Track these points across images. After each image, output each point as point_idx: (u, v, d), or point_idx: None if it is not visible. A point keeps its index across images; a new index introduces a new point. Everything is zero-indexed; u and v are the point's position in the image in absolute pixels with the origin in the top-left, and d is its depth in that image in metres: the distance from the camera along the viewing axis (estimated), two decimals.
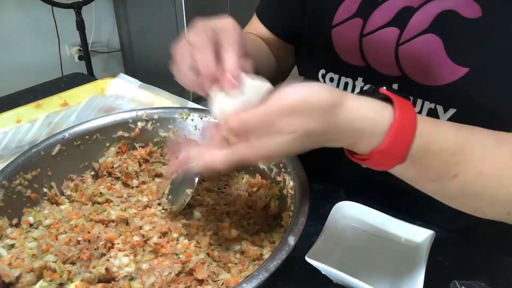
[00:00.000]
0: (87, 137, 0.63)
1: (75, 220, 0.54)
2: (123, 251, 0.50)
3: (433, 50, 0.54)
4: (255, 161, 0.40)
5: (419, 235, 0.53)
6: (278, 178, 0.59)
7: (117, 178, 0.64)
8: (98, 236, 0.51)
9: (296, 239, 0.44)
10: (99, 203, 0.59)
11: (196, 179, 0.58)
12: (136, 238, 0.52)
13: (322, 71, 0.67)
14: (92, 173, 0.65)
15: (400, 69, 0.58)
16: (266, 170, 0.61)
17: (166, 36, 2.42)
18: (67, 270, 0.47)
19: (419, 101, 0.57)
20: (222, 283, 0.47)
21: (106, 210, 0.56)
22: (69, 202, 0.61)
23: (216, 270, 0.48)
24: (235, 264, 0.50)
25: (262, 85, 0.40)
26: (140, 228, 0.53)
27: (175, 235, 0.53)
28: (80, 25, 2.18)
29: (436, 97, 0.56)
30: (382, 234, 0.55)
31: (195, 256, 0.49)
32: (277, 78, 0.82)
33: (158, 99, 0.90)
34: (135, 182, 0.64)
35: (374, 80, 0.61)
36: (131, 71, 2.70)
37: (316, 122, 0.37)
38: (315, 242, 0.50)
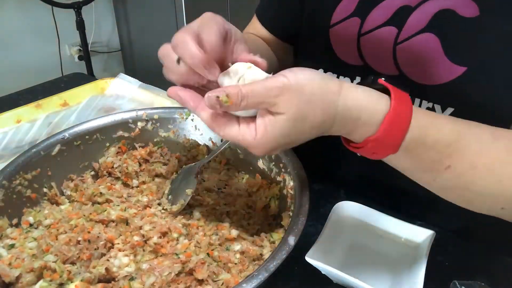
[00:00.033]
0: (87, 137, 0.63)
1: (75, 220, 0.54)
2: (123, 251, 0.50)
3: (431, 49, 0.54)
4: (257, 148, 0.40)
5: (419, 235, 0.53)
6: (278, 178, 0.59)
7: (117, 178, 0.64)
8: (98, 236, 0.51)
9: (296, 239, 0.44)
10: (99, 203, 0.59)
11: (196, 179, 0.58)
12: (136, 238, 0.52)
13: (320, 71, 0.67)
14: (92, 173, 0.65)
15: (398, 68, 0.58)
16: (266, 170, 0.61)
17: (166, 36, 2.40)
18: (67, 270, 0.47)
19: (417, 100, 0.58)
20: (222, 283, 0.47)
21: (106, 210, 0.56)
22: (69, 202, 0.61)
23: (216, 270, 0.48)
24: (235, 264, 0.50)
25: (266, 75, 0.41)
26: (140, 228, 0.53)
27: (175, 235, 0.53)
28: (80, 25, 2.18)
29: (434, 96, 0.56)
30: (382, 234, 0.55)
31: (195, 256, 0.49)
32: None
33: (158, 99, 0.90)
34: (135, 182, 0.64)
35: None
36: (131, 71, 2.70)
37: (314, 108, 0.38)
38: (315, 242, 0.50)
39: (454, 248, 0.58)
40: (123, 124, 0.66)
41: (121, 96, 0.92)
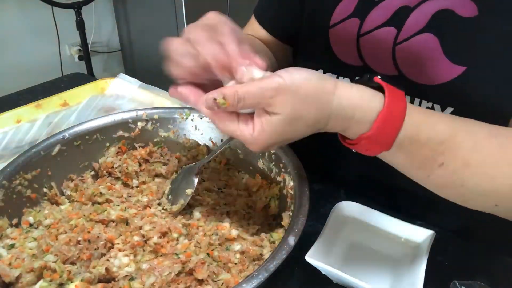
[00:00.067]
0: (87, 137, 0.63)
1: (75, 220, 0.54)
2: (123, 251, 0.50)
3: (430, 49, 0.54)
4: (254, 145, 0.41)
5: (419, 235, 0.53)
6: (278, 178, 0.59)
7: (117, 178, 0.64)
8: (98, 236, 0.51)
9: (296, 239, 0.44)
10: (99, 203, 0.59)
11: (196, 179, 0.58)
12: (136, 238, 0.52)
13: (320, 71, 0.67)
14: (92, 173, 0.65)
15: (397, 69, 0.58)
16: (266, 170, 0.61)
17: (166, 36, 2.42)
18: (67, 270, 0.47)
19: (417, 100, 0.58)
20: (222, 283, 0.47)
21: (106, 210, 0.56)
22: (69, 202, 0.61)
23: (216, 270, 0.48)
24: (235, 264, 0.50)
25: (263, 73, 0.41)
26: (140, 228, 0.53)
27: (175, 235, 0.53)
28: (80, 25, 2.18)
29: (433, 96, 0.56)
30: (382, 234, 0.55)
31: (195, 256, 0.49)
32: None
33: (158, 99, 0.90)
34: (135, 182, 0.64)
35: None
36: (131, 71, 2.70)
37: (309, 108, 0.39)
38: (315, 242, 0.50)
39: (454, 248, 0.58)
40: (123, 124, 0.66)
41: (121, 96, 0.92)
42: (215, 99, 0.39)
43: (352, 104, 0.40)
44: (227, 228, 0.54)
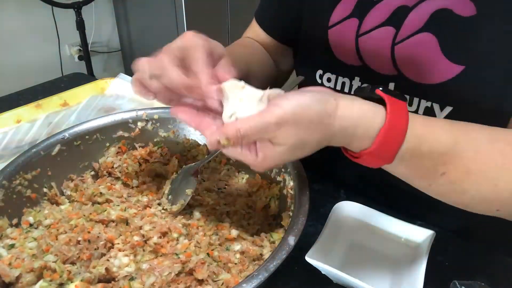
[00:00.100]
0: (87, 137, 0.63)
1: (75, 220, 0.54)
2: (123, 251, 0.50)
3: (429, 48, 0.54)
4: (259, 168, 0.42)
5: (419, 235, 0.53)
6: (278, 178, 0.59)
7: (117, 178, 0.64)
8: (98, 236, 0.51)
9: (296, 239, 0.44)
10: (99, 203, 0.59)
11: (196, 179, 0.58)
12: (136, 238, 0.52)
13: (319, 72, 0.68)
14: (92, 173, 0.65)
15: (396, 68, 0.58)
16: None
17: (166, 36, 2.42)
18: (67, 270, 0.47)
19: (416, 100, 0.57)
20: (222, 283, 0.47)
21: (106, 210, 0.56)
22: (69, 202, 0.61)
23: (216, 270, 0.48)
24: (235, 264, 0.50)
25: (274, 91, 0.41)
26: (140, 228, 0.53)
27: (175, 235, 0.53)
28: (80, 25, 2.18)
29: (433, 96, 0.56)
30: (382, 234, 0.55)
31: (195, 256, 0.49)
32: (277, 80, 0.82)
33: None
34: (135, 182, 0.64)
35: (370, 79, 0.62)
36: (131, 71, 2.69)
37: (313, 134, 0.39)
38: (315, 242, 0.50)
39: (454, 248, 0.58)
40: (123, 124, 0.66)
41: (121, 96, 0.92)
42: (218, 142, 0.39)
43: (354, 123, 0.40)
44: (227, 228, 0.54)
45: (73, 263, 0.49)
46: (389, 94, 0.41)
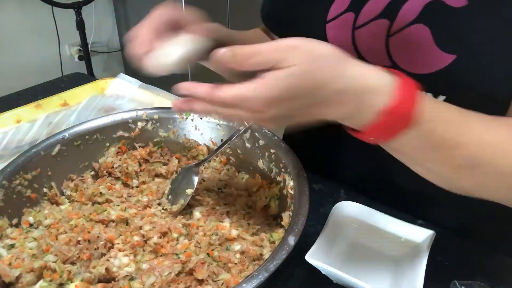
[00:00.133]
0: (87, 137, 0.63)
1: (75, 220, 0.54)
2: (123, 251, 0.50)
3: (422, 39, 0.55)
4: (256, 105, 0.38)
5: (419, 235, 0.53)
6: (278, 178, 0.59)
7: (117, 178, 0.64)
8: (98, 236, 0.51)
9: (296, 239, 0.44)
10: (99, 203, 0.59)
11: (196, 179, 0.58)
12: (136, 238, 0.52)
13: None
14: (92, 173, 0.65)
15: (391, 59, 0.59)
16: (266, 170, 0.61)
17: None
18: (67, 270, 0.47)
19: None
20: (222, 283, 0.47)
21: (106, 210, 0.56)
22: (69, 202, 0.61)
23: (216, 270, 0.48)
24: (235, 264, 0.50)
25: (200, 39, 0.42)
26: (140, 228, 0.53)
27: (175, 235, 0.53)
28: (80, 25, 2.18)
29: (426, 85, 0.57)
30: (382, 234, 0.55)
31: (195, 256, 0.49)
32: None
33: (158, 99, 0.90)
34: (135, 182, 0.64)
35: None
36: (131, 71, 2.69)
37: (327, 67, 0.37)
38: (315, 242, 0.50)
39: (454, 248, 0.58)
40: (123, 124, 0.66)
41: (121, 96, 0.92)
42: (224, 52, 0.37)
43: (367, 72, 0.39)
44: (227, 228, 0.54)
45: (73, 263, 0.49)
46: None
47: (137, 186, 0.64)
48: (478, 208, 0.52)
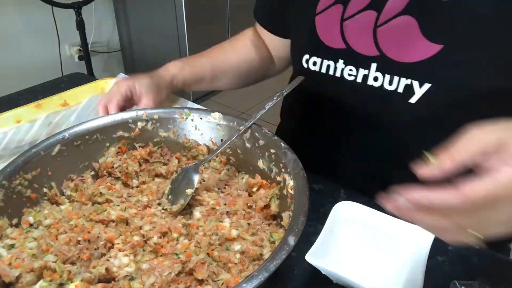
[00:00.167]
0: (87, 137, 0.63)
1: (75, 220, 0.54)
2: (123, 251, 0.50)
3: (409, 30, 0.57)
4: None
5: (419, 235, 0.53)
6: (278, 178, 0.59)
7: (117, 178, 0.64)
8: (98, 236, 0.51)
9: (296, 239, 0.44)
10: (99, 203, 0.59)
11: (196, 179, 0.58)
12: (136, 238, 0.52)
13: (306, 56, 0.71)
14: (92, 173, 0.65)
15: (379, 49, 0.61)
16: (266, 170, 0.61)
17: (166, 36, 2.43)
18: (67, 270, 0.47)
19: (396, 78, 0.60)
20: (222, 283, 0.47)
21: (106, 210, 0.56)
22: (69, 202, 0.61)
23: (216, 270, 0.48)
24: (235, 264, 0.50)
25: None
26: (140, 228, 0.53)
27: (175, 235, 0.53)
28: (80, 25, 2.18)
29: (412, 73, 0.59)
30: (382, 234, 0.55)
31: (195, 256, 0.49)
32: (267, 74, 0.91)
33: None
34: (135, 182, 0.64)
35: (354, 61, 0.64)
36: (131, 71, 2.70)
37: None
38: (315, 242, 0.50)
39: (454, 248, 0.58)
40: (123, 124, 0.66)
41: None
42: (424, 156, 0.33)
43: None
44: (227, 228, 0.54)
45: (73, 263, 0.49)
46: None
47: (137, 186, 0.64)
48: None
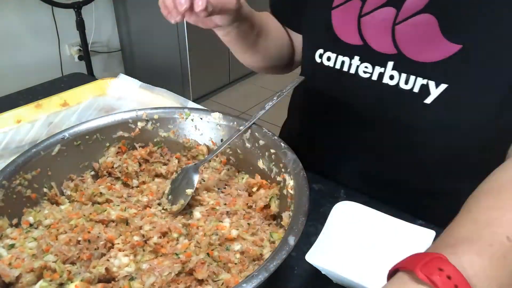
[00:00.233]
0: (87, 137, 0.63)
1: (75, 220, 0.54)
2: (123, 251, 0.50)
3: (429, 29, 0.56)
4: None
5: (419, 235, 0.53)
6: (278, 178, 0.59)
7: (117, 178, 0.64)
8: (98, 236, 0.51)
9: (296, 239, 0.44)
10: (99, 203, 0.59)
11: (196, 179, 0.58)
12: (136, 238, 0.52)
13: (320, 51, 0.69)
14: (92, 173, 0.65)
15: (396, 47, 0.60)
16: (266, 170, 0.61)
17: (166, 36, 2.43)
18: (67, 270, 0.47)
19: (412, 78, 0.59)
20: (222, 283, 0.47)
21: (106, 210, 0.56)
22: (69, 202, 0.61)
23: (216, 270, 0.48)
24: (235, 264, 0.50)
25: None
26: (140, 228, 0.53)
27: (175, 235, 0.53)
28: (80, 25, 2.18)
29: (429, 73, 0.58)
30: (382, 234, 0.55)
31: (195, 256, 0.49)
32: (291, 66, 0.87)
33: (158, 99, 0.90)
34: (135, 182, 0.64)
35: (370, 58, 0.63)
36: (131, 71, 2.70)
37: None
38: (315, 242, 0.50)
39: None
40: (123, 124, 0.66)
41: (122, 96, 0.92)
42: None
43: None
44: (227, 228, 0.54)
45: (73, 263, 0.49)
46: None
47: (137, 186, 0.64)
48: None
